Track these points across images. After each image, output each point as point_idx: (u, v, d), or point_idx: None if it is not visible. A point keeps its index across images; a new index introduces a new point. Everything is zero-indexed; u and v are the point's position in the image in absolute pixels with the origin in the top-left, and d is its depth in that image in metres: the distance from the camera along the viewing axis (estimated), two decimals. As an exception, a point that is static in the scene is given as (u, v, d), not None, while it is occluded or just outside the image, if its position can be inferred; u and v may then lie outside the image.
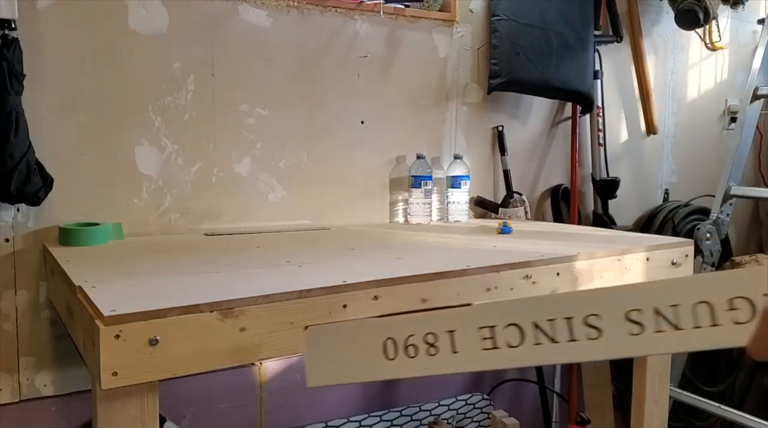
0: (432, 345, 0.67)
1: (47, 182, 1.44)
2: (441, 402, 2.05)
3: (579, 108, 2.31)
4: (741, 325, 0.57)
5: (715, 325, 0.57)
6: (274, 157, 1.78)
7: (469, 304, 1.16)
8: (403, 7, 1.95)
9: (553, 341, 0.63)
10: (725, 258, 2.59)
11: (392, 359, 0.69)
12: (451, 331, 0.66)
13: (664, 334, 0.59)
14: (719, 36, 2.74)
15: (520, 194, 2.15)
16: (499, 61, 2.04)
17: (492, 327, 0.65)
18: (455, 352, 0.66)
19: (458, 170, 1.98)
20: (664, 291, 0.60)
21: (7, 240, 1.47)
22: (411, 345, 0.68)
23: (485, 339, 0.65)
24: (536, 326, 0.63)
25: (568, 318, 0.62)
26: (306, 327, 0.75)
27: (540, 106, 2.28)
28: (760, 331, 0.58)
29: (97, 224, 1.50)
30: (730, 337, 0.57)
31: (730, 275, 0.59)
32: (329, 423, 1.88)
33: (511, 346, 0.64)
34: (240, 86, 1.71)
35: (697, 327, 0.59)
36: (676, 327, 0.59)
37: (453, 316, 0.67)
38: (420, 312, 0.71)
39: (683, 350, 0.61)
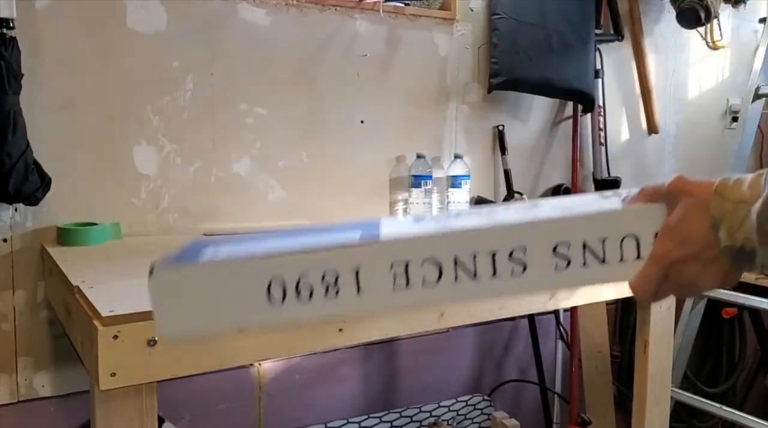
0: (331, 285, 0.57)
1: (45, 182, 1.44)
2: (441, 404, 2.04)
3: (580, 107, 2.30)
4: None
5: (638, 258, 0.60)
6: (273, 156, 1.77)
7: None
8: (402, 5, 1.94)
9: (475, 277, 0.58)
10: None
11: (278, 303, 0.57)
12: (357, 270, 0.57)
13: (588, 269, 0.59)
14: (720, 35, 2.73)
15: (521, 194, 2.15)
16: (500, 60, 2.03)
17: (406, 263, 0.57)
18: (360, 292, 0.57)
19: (458, 170, 1.97)
20: (591, 225, 0.59)
21: (5, 240, 1.46)
22: (305, 285, 0.57)
23: (397, 277, 0.57)
24: (456, 261, 0.57)
25: (493, 253, 0.58)
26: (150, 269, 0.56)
27: (540, 105, 2.27)
28: (645, 272, 0.61)
29: (95, 224, 1.49)
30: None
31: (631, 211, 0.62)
32: (329, 424, 1.87)
33: (426, 284, 0.57)
34: (239, 85, 1.70)
35: (621, 261, 0.59)
36: (602, 261, 0.59)
37: (360, 253, 0.57)
38: (314, 250, 0.58)
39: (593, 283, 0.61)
